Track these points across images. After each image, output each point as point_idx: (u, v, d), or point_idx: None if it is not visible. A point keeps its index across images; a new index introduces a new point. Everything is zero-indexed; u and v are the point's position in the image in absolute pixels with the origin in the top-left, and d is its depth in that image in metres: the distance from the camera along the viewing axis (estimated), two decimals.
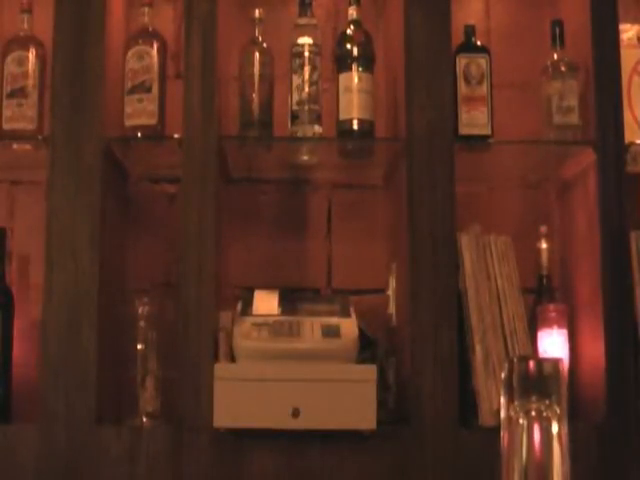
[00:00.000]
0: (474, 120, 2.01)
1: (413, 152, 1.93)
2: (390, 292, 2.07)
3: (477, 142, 2.02)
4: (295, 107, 2.00)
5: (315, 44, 2.02)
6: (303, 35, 2.02)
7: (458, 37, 2.03)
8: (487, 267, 1.95)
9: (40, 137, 1.99)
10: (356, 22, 2.05)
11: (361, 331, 1.88)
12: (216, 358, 1.85)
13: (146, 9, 2.06)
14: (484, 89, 2.02)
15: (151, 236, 2.20)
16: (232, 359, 1.85)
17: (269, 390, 1.79)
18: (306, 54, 2.01)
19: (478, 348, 1.90)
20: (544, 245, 2.07)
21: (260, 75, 2.02)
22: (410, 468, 1.83)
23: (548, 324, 1.99)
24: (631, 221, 1.94)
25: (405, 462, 1.83)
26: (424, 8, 1.96)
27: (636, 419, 1.86)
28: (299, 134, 2.00)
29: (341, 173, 2.25)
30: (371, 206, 2.24)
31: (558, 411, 1.10)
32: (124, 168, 2.15)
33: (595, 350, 1.92)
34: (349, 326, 1.88)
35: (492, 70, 2.03)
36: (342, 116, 2.00)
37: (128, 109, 2.00)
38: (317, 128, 2.00)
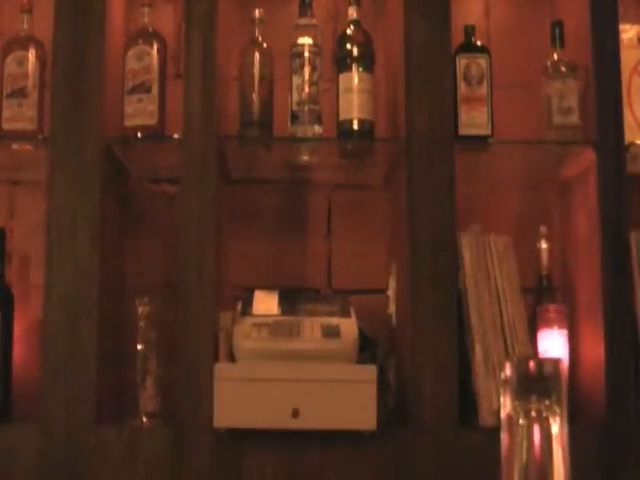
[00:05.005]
0: (474, 120, 2.01)
1: (413, 152, 1.93)
2: (390, 292, 2.07)
3: (477, 142, 2.02)
4: (295, 107, 2.00)
5: (315, 44, 2.02)
6: (303, 35, 2.02)
7: (458, 37, 2.03)
8: (487, 267, 1.95)
9: (40, 137, 1.99)
10: (356, 22, 2.05)
11: (361, 331, 1.88)
12: (216, 358, 1.85)
13: (146, 9, 2.06)
14: (484, 89, 2.02)
15: (151, 236, 2.20)
16: (232, 359, 1.85)
17: (269, 390, 1.79)
18: (306, 54, 2.01)
19: (478, 348, 1.90)
20: (544, 245, 2.07)
21: (260, 75, 2.02)
22: (410, 468, 1.83)
23: (548, 324, 1.99)
24: (631, 221, 1.94)
25: (405, 462, 1.83)
26: (424, 8, 1.96)
27: (636, 419, 1.86)
28: (299, 134, 2.00)
29: (341, 173, 2.25)
30: (371, 206, 2.24)
31: (558, 411, 1.10)
32: (124, 168, 2.15)
33: (595, 350, 1.92)
34: (349, 326, 1.89)
35: (492, 70, 2.03)
36: (342, 116, 2.00)
37: (128, 109, 2.00)
38: (317, 128, 2.00)
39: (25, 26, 2.05)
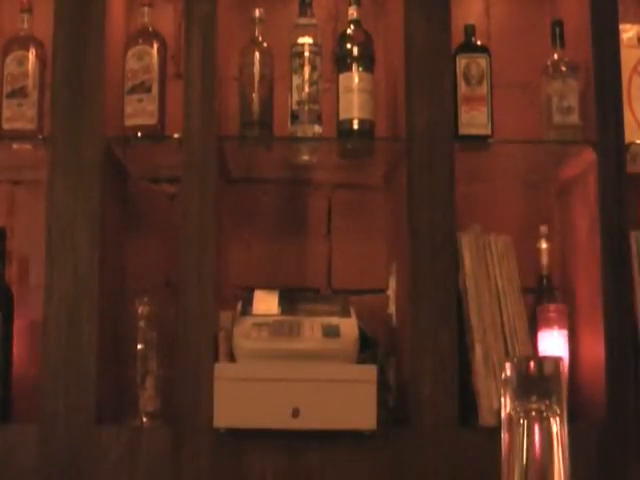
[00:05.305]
0: (474, 120, 2.01)
1: (413, 152, 1.93)
2: (390, 292, 2.07)
3: (477, 142, 2.02)
4: (295, 107, 2.00)
5: (315, 44, 2.02)
6: (303, 35, 2.02)
7: (458, 37, 2.03)
8: (487, 267, 1.95)
9: (40, 137, 1.99)
10: (356, 22, 2.05)
11: (361, 331, 1.88)
12: (216, 358, 1.85)
13: (146, 9, 2.06)
14: (484, 89, 2.02)
15: (151, 236, 2.20)
16: (232, 359, 1.85)
17: (269, 390, 1.79)
18: (306, 54, 2.01)
19: (478, 348, 1.90)
20: (544, 245, 2.07)
21: (260, 75, 2.02)
22: (410, 468, 1.83)
23: (548, 324, 1.99)
24: (631, 221, 1.94)
25: (405, 462, 1.83)
26: (424, 8, 1.96)
27: (636, 419, 1.86)
28: (299, 134, 2.00)
29: (341, 173, 2.25)
30: (371, 206, 2.24)
31: (558, 411, 1.10)
32: (124, 168, 2.15)
33: (595, 350, 1.92)
34: (349, 326, 1.88)
35: (492, 70, 2.03)
36: (342, 116, 2.00)
37: (128, 109, 2.00)
38: (317, 128, 2.00)
39: (25, 26, 2.05)
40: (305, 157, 2.16)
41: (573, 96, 2.02)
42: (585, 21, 2.00)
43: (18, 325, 2.01)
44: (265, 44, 2.05)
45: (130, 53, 2.02)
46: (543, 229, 2.08)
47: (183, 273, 1.88)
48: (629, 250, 1.93)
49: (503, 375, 1.13)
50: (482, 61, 2.04)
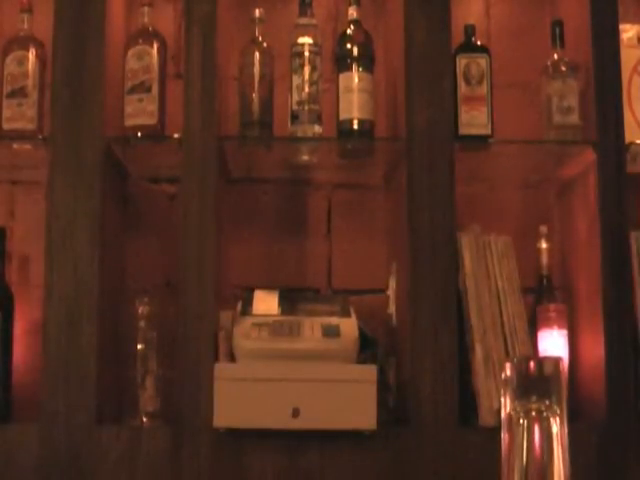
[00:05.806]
0: (474, 120, 2.01)
1: (413, 152, 1.93)
2: (390, 292, 2.07)
3: (477, 142, 2.02)
4: (295, 107, 2.00)
5: (315, 44, 2.02)
6: (303, 35, 2.02)
7: (458, 37, 2.03)
8: (487, 267, 1.95)
9: (40, 137, 1.99)
10: (356, 22, 2.05)
11: (361, 331, 1.88)
12: (216, 358, 1.85)
13: (146, 9, 2.06)
14: (484, 89, 2.02)
15: (151, 236, 2.20)
16: (232, 359, 1.85)
17: (269, 390, 1.79)
18: (306, 54, 2.01)
19: (478, 348, 1.90)
20: (544, 245, 2.07)
21: (260, 75, 2.02)
22: (410, 468, 1.83)
23: (548, 324, 1.99)
24: (631, 221, 1.94)
25: (405, 462, 1.83)
26: (424, 8, 1.96)
27: (636, 419, 1.86)
28: (299, 134, 2.00)
29: (341, 173, 2.24)
30: (371, 206, 2.24)
31: (558, 411, 1.10)
32: (124, 168, 2.15)
33: (595, 350, 1.92)
34: (349, 326, 1.88)
35: (492, 70, 2.03)
36: (342, 116, 2.00)
37: (128, 109, 2.00)
38: (317, 128, 2.00)
39: (25, 26, 2.05)
40: (305, 157, 2.16)
41: (573, 96, 2.02)
42: (585, 21, 2.00)
43: (18, 325, 2.01)
44: (265, 44, 2.05)
45: (130, 53, 2.02)
46: (543, 229, 2.07)
47: (183, 273, 1.88)
48: (629, 250, 1.93)
49: (503, 375, 1.13)
50: (482, 61, 2.04)
